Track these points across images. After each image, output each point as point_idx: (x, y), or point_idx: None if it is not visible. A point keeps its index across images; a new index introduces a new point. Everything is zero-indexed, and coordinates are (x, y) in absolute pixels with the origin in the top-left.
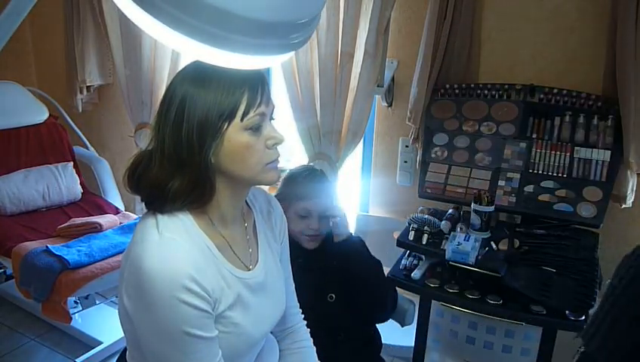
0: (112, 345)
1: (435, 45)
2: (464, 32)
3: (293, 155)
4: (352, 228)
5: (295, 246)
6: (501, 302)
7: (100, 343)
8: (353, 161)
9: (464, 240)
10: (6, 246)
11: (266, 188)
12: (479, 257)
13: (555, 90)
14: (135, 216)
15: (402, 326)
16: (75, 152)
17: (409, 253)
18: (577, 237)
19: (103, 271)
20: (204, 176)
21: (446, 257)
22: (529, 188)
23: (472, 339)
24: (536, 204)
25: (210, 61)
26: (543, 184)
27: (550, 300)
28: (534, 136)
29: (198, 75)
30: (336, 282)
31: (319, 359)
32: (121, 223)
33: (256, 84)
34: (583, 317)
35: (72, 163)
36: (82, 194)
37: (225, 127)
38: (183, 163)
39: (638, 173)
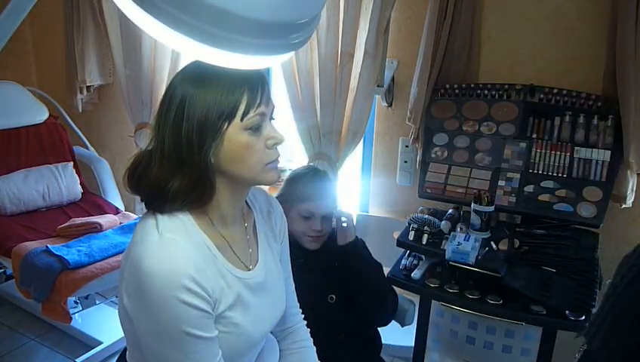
0: (112, 345)
1: (435, 45)
2: (464, 32)
3: (293, 155)
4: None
5: (296, 246)
6: (501, 302)
7: (100, 343)
8: (353, 161)
9: (464, 240)
10: (6, 246)
11: (266, 188)
12: (479, 257)
13: (555, 90)
14: (135, 216)
15: (402, 326)
16: (75, 152)
17: (409, 253)
18: (577, 237)
19: (103, 271)
20: (204, 176)
21: (446, 257)
22: (529, 188)
23: (472, 339)
24: (536, 203)
25: (210, 61)
26: (543, 184)
27: (550, 300)
28: (534, 136)
29: (198, 74)
30: (337, 283)
31: (319, 359)
32: (121, 223)
33: (256, 84)
34: (583, 317)
35: (72, 163)
36: (82, 194)
37: (225, 127)
38: (183, 163)
39: (638, 173)
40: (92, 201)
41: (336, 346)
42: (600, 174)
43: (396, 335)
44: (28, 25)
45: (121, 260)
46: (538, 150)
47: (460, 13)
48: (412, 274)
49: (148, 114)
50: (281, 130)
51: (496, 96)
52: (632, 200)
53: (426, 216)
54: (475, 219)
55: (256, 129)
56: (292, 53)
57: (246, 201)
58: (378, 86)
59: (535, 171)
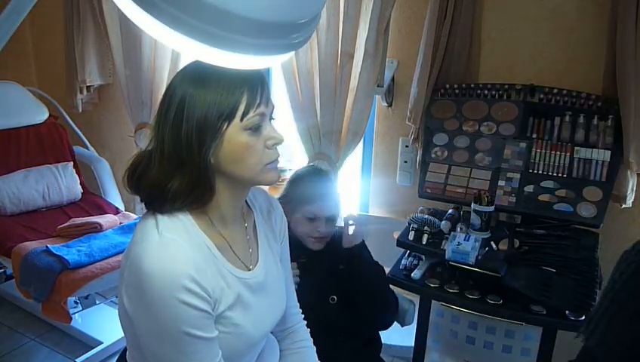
0: (112, 345)
1: (435, 45)
2: (464, 32)
3: (293, 155)
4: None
5: (299, 245)
6: (501, 302)
7: (100, 343)
8: (353, 161)
9: (464, 240)
10: (6, 246)
11: (266, 188)
12: (479, 257)
13: (555, 90)
14: (135, 216)
15: (402, 326)
16: (75, 152)
17: (409, 253)
18: (577, 237)
19: (103, 271)
20: (203, 177)
21: (446, 257)
22: (529, 188)
23: (472, 339)
24: (536, 204)
25: (210, 61)
26: (543, 184)
27: (550, 300)
28: (534, 136)
29: (197, 75)
30: (339, 284)
31: (319, 359)
32: (121, 223)
33: (256, 84)
34: (583, 317)
35: (72, 163)
36: (82, 194)
37: (224, 127)
38: (183, 163)
39: (638, 173)
40: (92, 201)
41: (337, 346)
42: (600, 174)
43: (396, 335)
44: (28, 25)
45: (121, 260)
46: (538, 150)
47: (460, 13)
48: (412, 274)
49: (148, 114)
50: (281, 130)
51: (496, 96)
52: (632, 200)
53: (426, 216)
54: (475, 219)
55: (255, 129)
56: (292, 53)
57: (246, 201)
58: (378, 86)
59: (535, 171)
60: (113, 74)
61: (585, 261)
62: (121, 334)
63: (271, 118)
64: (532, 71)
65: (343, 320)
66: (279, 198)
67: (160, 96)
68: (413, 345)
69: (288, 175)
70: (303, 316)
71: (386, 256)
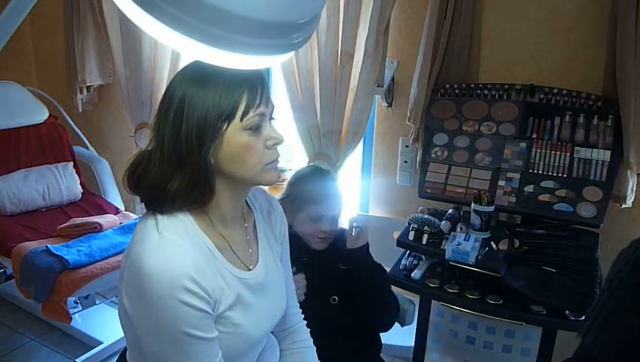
0: (112, 345)
1: (435, 45)
2: (464, 32)
3: (293, 155)
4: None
5: (300, 245)
6: (501, 302)
7: (100, 343)
8: (353, 161)
9: (464, 240)
10: (6, 246)
11: (266, 188)
12: (479, 257)
13: (555, 90)
14: (135, 216)
15: (402, 326)
16: (75, 152)
17: (409, 253)
18: (577, 237)
19: (103, 271)
20: (203, 177)
21: (446, 257)
22: (529, 188)
23: (472, 339)
24: (536, 204)
25: (210, 61)
26: (543, 184)
27: (550, 300)
28: (534, 136)
29: (197, 75)
30: (340, 285)
31: (319, 359)
32: (121, 223)
33: (256, 84)
34: (583, 317)
35: (72, 163)
36: (82, 194)
37: (224, 127)
38: (183, 163)
39: (638, 173)
40: (92, 201)
41: (337, 346)
42: (600, 174)
43: (396, 335)
44: (28, 25)
45: (121, 260)
46: (538, 150)
47: (460, 13)
48: (412, 274)
49: (148, 114)
50: (281, 130)
51: (496, 96)
52: (632, 200)
53: (426, 216)
54: (475, 219)
55: (255, 129)
56: (292, 53)
57: (246, 201)
58: (378, 86)
59: (535, 171)
60: (113, 74)
61: (585, 261)
62: (121, 334)
63: (271, 118)
64: (532, 71)
65: (343, 320)
66: (281, 199)
67: (160, 96)
68: (413, 345)
69: (288, 175)
70: (303, 316)
71: (386, 256)
